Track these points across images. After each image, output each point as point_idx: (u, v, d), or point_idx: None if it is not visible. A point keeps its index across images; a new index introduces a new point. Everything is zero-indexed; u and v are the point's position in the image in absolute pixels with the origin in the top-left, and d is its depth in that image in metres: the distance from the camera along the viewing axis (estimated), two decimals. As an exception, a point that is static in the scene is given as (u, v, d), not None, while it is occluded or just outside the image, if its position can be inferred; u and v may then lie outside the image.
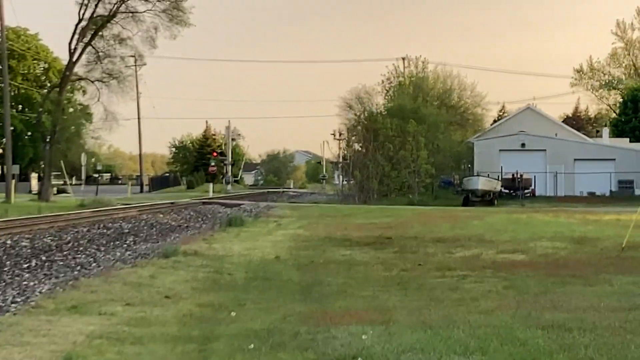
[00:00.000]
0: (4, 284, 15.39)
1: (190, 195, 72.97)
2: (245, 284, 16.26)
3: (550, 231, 27.30)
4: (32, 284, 15.22)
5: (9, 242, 23.07)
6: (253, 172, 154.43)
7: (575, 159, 67.70)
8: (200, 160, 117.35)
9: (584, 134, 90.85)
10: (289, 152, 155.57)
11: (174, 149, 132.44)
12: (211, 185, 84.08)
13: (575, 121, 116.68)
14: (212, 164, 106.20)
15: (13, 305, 12.87)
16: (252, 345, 10.15)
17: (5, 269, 17.80)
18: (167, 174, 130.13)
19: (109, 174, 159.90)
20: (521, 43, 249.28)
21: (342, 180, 75.30)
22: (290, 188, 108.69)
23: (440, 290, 15.27)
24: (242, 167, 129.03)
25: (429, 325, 11.28)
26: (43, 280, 15.76)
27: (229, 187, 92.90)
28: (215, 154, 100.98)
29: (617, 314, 12.09)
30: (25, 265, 18.31)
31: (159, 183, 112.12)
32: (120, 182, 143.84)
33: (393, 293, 14.98)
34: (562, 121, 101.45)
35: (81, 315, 12.11)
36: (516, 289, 15.18)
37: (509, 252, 21.84)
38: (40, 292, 14.06)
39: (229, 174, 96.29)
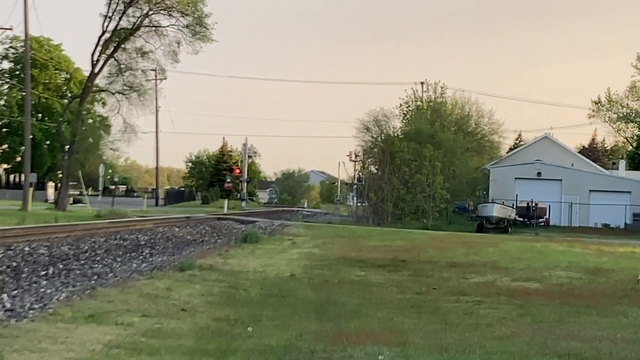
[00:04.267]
0: (21, 290, 15.46)
1: (205, 210, 73.12)
2: (261, 300, 16.29)
3: (565, 261, 27.18)
4: (49, 291, 15.28)
5: (27, 249, 23.26)
6: (267, 190, 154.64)
7: (590, 190, 67.44)
8: (216, 176, 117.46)
9: (600, 165, 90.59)
10: (303, 172, 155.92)
11: (190, 164, 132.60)
12: (226, 201, 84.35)
13: (592, 152, 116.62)
14: (228, 180, 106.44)
15: (31, 311, 12.85)
16: (269, 361, 10.22)
17: (23, 275, 17.94)
18: (183, 189, 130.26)
19: (125, 186, 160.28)
20: (539, 72, 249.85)
21: (357, 202, 75.23)
22: (304, 207, 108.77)
23: (455, 314, 15.27)
24: (256, 184, 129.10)
25: (445, 349, 11.31)
26: (60, 288, 15.82)
27: (244, 204, 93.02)
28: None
29: (633, 345, 12.09)
30: (43, 273, 18.41)
31: (175, 197, 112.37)
32: (135, 194, 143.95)
33: (408, 315, 14.99)
34: (579, 152, 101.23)
35: (98, 324, 12.13)
36: (531, 316, 15.15)
37: (523, 279, 21.78)
38: (57, 300, 14.09)
39: (244, 190, 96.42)
